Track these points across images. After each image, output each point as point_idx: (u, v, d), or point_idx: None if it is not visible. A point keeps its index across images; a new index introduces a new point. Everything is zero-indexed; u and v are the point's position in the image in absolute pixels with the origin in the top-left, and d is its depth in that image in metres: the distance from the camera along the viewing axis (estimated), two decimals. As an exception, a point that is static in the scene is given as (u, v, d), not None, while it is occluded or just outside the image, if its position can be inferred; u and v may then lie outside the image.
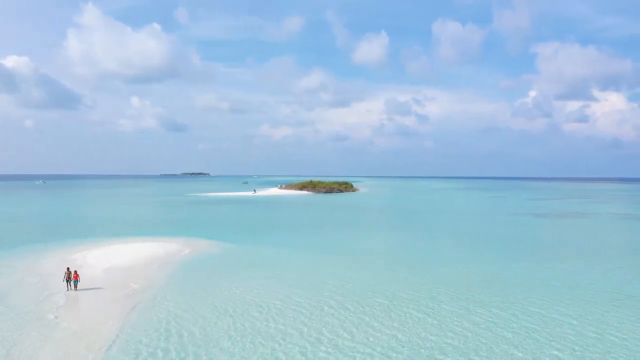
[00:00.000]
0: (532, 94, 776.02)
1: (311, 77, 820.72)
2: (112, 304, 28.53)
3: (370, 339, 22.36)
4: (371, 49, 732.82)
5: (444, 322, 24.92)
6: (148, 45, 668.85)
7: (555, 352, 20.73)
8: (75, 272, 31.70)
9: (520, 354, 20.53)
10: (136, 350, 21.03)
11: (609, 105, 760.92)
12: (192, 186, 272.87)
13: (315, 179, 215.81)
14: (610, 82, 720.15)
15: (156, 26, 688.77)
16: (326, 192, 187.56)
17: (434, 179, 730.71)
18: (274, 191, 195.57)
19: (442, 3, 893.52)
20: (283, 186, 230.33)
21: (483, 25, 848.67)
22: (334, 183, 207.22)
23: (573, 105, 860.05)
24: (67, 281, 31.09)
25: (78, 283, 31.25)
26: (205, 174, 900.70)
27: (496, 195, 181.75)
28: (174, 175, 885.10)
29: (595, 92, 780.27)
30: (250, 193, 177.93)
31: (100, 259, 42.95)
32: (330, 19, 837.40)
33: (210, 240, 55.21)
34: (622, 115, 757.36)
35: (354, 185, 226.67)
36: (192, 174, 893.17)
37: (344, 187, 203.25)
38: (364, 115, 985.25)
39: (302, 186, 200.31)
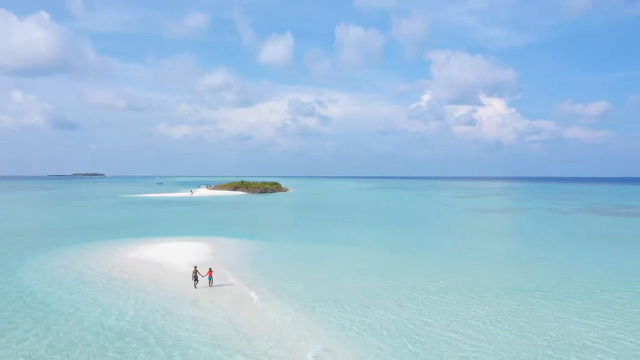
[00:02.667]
0: (426, 98, 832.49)
1: (215, 75, 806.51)
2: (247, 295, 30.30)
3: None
4: (276, 50, 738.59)
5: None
6: (34, 35, 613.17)
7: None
8: (210, 269, 32.52)
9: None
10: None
11: (493, 110, 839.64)
12: (108, 188, 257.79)
13: (220, 179, 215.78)
14: (495, 89, 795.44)
15: (44, 15, 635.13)
16: (261, 192, 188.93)
17: (337, 178, 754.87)
18: (209, 192, 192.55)
19: (345, 8, 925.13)
20: (211, 187, 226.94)
21: (383, 32, 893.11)
22: (265, 183, 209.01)
23: (463, 110, 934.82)
24: (195, 279, 31.68)
25: (212, 280, 32.09)
26: (100, 175, 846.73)
27: (423, 194, 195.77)
28: (64, 176, 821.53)
29: (482, 98, 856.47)
30: (187, 194, 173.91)
31: (158, 256, 42.95)
32: (235, 18, 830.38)
33: (237, 238, 56.39)
34: (503, 119, 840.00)
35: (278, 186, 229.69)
36: (85, 174, 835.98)
37: (275, 187, 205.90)
38: (268, 116, 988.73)
39: (235, 186, 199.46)
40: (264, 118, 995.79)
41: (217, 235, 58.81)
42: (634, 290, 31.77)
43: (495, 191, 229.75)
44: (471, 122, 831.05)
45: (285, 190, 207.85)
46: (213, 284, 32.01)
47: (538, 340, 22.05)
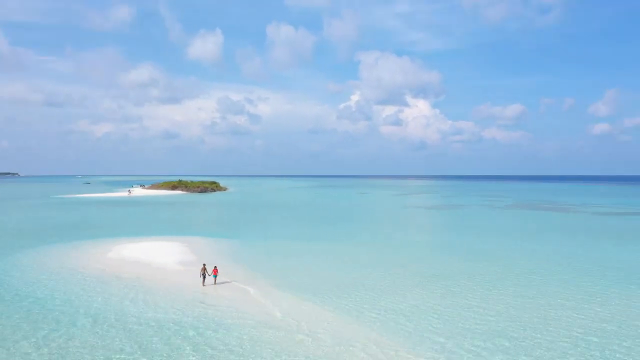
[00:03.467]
0: (355, 98, 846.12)
1: (140, 70, 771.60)
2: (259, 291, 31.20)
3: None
4: (205, 47, 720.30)
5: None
6: None
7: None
8: (215, 267, 32.81)
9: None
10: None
11: (418, 111, 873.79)
12: (32, 188, 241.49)
13: (149, 178, 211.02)
14: (420, 91, 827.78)
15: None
16: (201, 191, 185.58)
17: (268, 177, 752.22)
18: (145, 191, 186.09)
19: (276, 7, 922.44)
20: (146, 186, 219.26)
21: (314, 31, 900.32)
22: (204, 182, 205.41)
23: (390, 110, 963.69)
24: (203, 277, 31.95)
25: (217, 277, 32.44)
26: (13, 174, 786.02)
27: (362, 192, 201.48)
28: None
29: (408, 99, 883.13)
30: (125, 193, 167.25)
31: (140, 256, 42.30)
32: (162, 12, 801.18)
33: (208, 237, 56.27)
34: (428, 119, 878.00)
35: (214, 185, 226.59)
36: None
37: (215, 186, 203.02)
38: (196, 113, 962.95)
39: (174, 186, 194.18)
40: (192, 116, 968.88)
41: (186, 234, 58.33)
42: (579, 272, 36.17)
43: (428, 189, 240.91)
44: (398, 122, 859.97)
45: (224, 190, 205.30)
46: (217, 282, 32.48)
47: (496, 310, 25.03)
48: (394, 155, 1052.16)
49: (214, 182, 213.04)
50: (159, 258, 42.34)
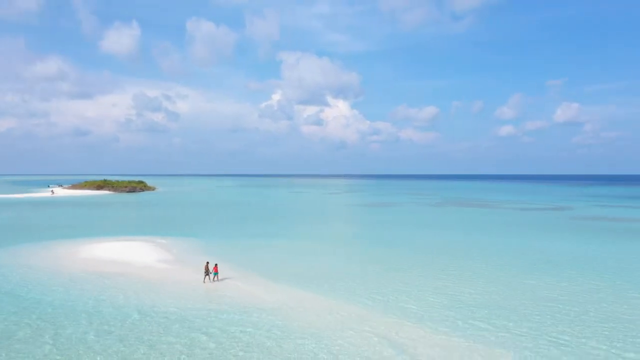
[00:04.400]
0: (277, 97, 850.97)
1: (48, 63, 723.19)
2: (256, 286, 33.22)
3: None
4: (120, 40, 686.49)
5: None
6: None
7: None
8: (216, 265, 33.93)
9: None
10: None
11: (338, 111, 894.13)
12: None
13: (56, 177, 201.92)
14: (340, 91, 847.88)
15: None
16: (129, 191, 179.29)
17: (188, 176, 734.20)
18: (70, 192, 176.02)
19: (197, 2, 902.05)
20: (66, 186, 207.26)
21: (236, 29, 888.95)
22: (132, 182, 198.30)
23: (311, 110, 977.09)
24: (206, 274, 33.03)
25: (217, 275, 33.58)
26: None
27: (298, 191, 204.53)
28: None
29: (329, 99, 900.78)
30: (48, 194, 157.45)
31: (114, 255, 42.26)
32: (75, 2, 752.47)
33: (170, 237, 56.46)
34: (347, 120, 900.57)
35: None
36: None
37: (143, 186, 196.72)
38: (109, 110, 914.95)
39: (99, 186, 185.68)
40: (106, 112, 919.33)
41: (146, 234, 57.89)
42: (512, 258, 42.02)
43: (357, 188, 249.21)
44: (318, 122, 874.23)
45: (153, 189, 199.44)
46: (216, 278, 33.67)
47: (455, 293, 29.54)
48: (315, 154, 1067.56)
49: (141, 182, 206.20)
50: (137, 257, 42.56)
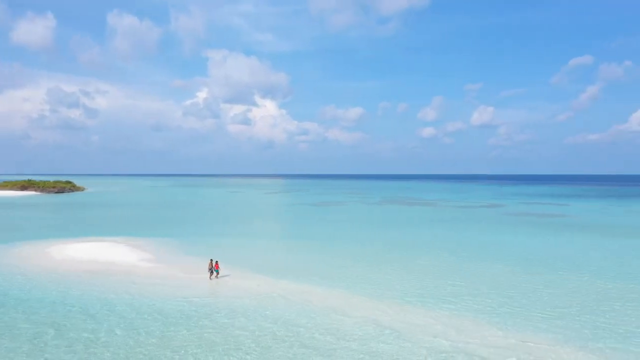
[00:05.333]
0: (203, 95, 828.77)
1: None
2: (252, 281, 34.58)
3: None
4: (34, 31, 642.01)
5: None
6: None
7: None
8: (217, 262, 34.55)
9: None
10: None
11: (266, 111, 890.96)
12: None
13: None
14: (268, 91, 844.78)
15: None
16: (58, 192, 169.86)
17: (110, 176, 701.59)
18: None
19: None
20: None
21: (160, 24, 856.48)
22: (59, 182, 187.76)
23: (238, 109, 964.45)
24: (210, 271, 33.88)
25: (218, 272, 34.31)
26: None
27: (235, 191, 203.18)
28: None
29: (257, 98, 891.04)
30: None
31: (91, 255, 41.58)
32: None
33: (135, 237, 55.73)
34: (275, 119, 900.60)
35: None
36: None
37: (72, 186, 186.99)
38: (20, 105, 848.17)
39: (23, 186, 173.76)
40: (15, 107, 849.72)
41: (109, 235, 56.80)
42: (470, 249, 46.58)
43: (293, 187, 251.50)
44: (246, 122, 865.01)
45: (82, 189, 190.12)
46: (218, 276, 34.49)
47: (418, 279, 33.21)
48: (242, 154, 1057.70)
49: (69, 182, 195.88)
50: (116, 257, 42.25)
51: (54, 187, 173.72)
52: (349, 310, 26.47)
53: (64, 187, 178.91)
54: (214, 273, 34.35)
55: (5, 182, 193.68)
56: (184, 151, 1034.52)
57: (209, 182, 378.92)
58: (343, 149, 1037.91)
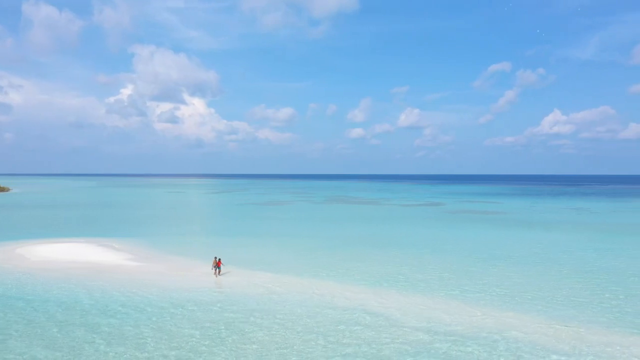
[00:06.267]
0: (128, 92, 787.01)
1: None
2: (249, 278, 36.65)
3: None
4: None
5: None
6: None
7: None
8: (219, 259, 35.81)
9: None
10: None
11: (194, 109, 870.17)
12: None
13: None
14: (197, 89, 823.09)
15: None
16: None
17: (26, 176, 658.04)
18: None
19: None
20: None
21: (82, 16, 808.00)
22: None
23: (166, 107, 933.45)
24: (215, 268, 35.30)
25: (220, 269, 35.66)
26: None
27: (174, 191, 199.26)
28: None
29: (185, 96, 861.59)
30: None
31: (70, 255, 41.57)
32: None
33: (98, 237, 55.42)
34: (203, 118, 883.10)
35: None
36: None
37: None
38: None
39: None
40: None
41: (73, 236, 56.04)
42: (421, 242, 51.56)
43: (230, 187, 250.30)
44: (174, 120, 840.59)
45: (7, 190, 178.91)
46: (219, 273, 35.82)
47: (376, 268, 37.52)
48: (169, 153, 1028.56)
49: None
50: (96, 257, 42.49)
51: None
52: (332, 297, 29.34)
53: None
54: (217, 270, 35.56)
55: None
56: (107, 150, 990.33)
57: (138, 182, 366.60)
58: (273, 149, 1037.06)
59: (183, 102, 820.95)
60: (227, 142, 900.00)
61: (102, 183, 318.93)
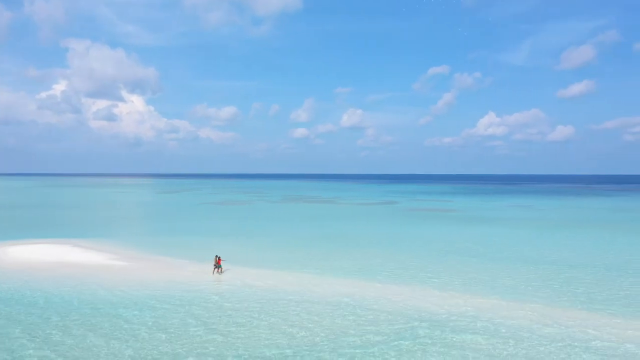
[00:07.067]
0: (61, 88, 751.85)
1: None
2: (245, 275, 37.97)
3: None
4: None
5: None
6: None
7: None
8: (220, 258, 36.65)
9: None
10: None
11: (133, 107, 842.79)
12: None
13: None
14: (136, 86, 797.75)
15: None
16: None
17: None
18: None
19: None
20: None
21: (11, 7, 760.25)
22: None
23: (102, 104, 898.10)
24: (215, 266, 36.18)
25: (221, 267, 36.55)
26: None
27: (123, 191, 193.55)
28: None
29: (123, 93, 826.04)
30: None
31: (48, 256, 41.10)
32: None
33: (68, 238, 54.54)
34: (142, 116, 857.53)
35: None
36: None
37: None
38: None
39: None
40: None
41: (37, 237, 54.68)
42: (381, 238, 54.96)
43: (177, 187, 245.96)
44: (111, 118, 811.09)
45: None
46: (221, 271, 36.75)
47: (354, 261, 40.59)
48: (106, 152, 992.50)
49: None
50: (77, 258, 42.25)
51: None
52: (313, 287, 31.68)
53: None
54: (218, 268, 36.37)
55: None
56: (39, 148, 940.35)
57: (77, 182, 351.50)
58: (216, 149, 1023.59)
59: (121, 99, 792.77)
60: (167, 140, 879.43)
61: (39, 183, 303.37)
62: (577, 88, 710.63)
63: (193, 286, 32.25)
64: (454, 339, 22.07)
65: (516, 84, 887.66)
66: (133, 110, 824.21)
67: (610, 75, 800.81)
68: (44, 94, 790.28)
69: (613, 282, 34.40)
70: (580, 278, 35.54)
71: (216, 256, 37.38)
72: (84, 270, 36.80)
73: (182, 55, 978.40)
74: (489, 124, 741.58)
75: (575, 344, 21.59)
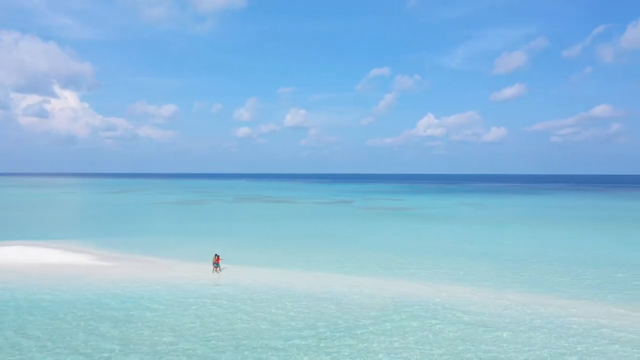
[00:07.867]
0: None
1: None
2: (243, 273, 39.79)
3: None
4: None
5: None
6: None
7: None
8: (218, 257, 37.68)
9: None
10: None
11: (66, 103, 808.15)
12: None
13: None
14: (70, 81, 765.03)
15: None
16: None
17: None
18: None
19: None
20: None
21: None
22: None
23: (33, 99, 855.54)
24: (215, 265, 37.27)
25: (219, 266, 37.61)
26: None
27: (70, 192, 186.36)
28: None
29: (56, 89, 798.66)
30: None
31: (26, 258, 41.16)
32: None
33: (51, 240, 53.96)
34: (77, 113, 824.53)
35: None
36: None
37: None
38: None
39: None
40: None
41: (27, 239, 53.88)
42: (341, 236, 58.58)
43: (123, 187, 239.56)
44: (42, 114, 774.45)
45: None
46: (219, 269, 37.81)
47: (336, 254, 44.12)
48: (37, 149, 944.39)
49: None
50: (59, 259, 42.41)
51: None
52: (293, 281, 34.40)
53: None
54: (216, 266, 37.35)
55: None
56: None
57: (8, 181, 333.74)
58: (156, 147, 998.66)
59: (53, 95, 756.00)
60: (103, 138, 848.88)
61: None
62: (509, 91, 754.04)
63: (190, 283, 33.83)
64: (423, 324, 25.15)
65: (453, 86, 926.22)
66: (66, 107, 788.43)
67: (540, 79, 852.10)
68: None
69: (566, 269, 39.27)
70: (539, 268, 40.24)
71: (215, 255, 38.21)
72: (72, 271, 37.36)
73: (120, 50, 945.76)
74: (428, 125, 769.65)
75: (547, 326, 25.50)
